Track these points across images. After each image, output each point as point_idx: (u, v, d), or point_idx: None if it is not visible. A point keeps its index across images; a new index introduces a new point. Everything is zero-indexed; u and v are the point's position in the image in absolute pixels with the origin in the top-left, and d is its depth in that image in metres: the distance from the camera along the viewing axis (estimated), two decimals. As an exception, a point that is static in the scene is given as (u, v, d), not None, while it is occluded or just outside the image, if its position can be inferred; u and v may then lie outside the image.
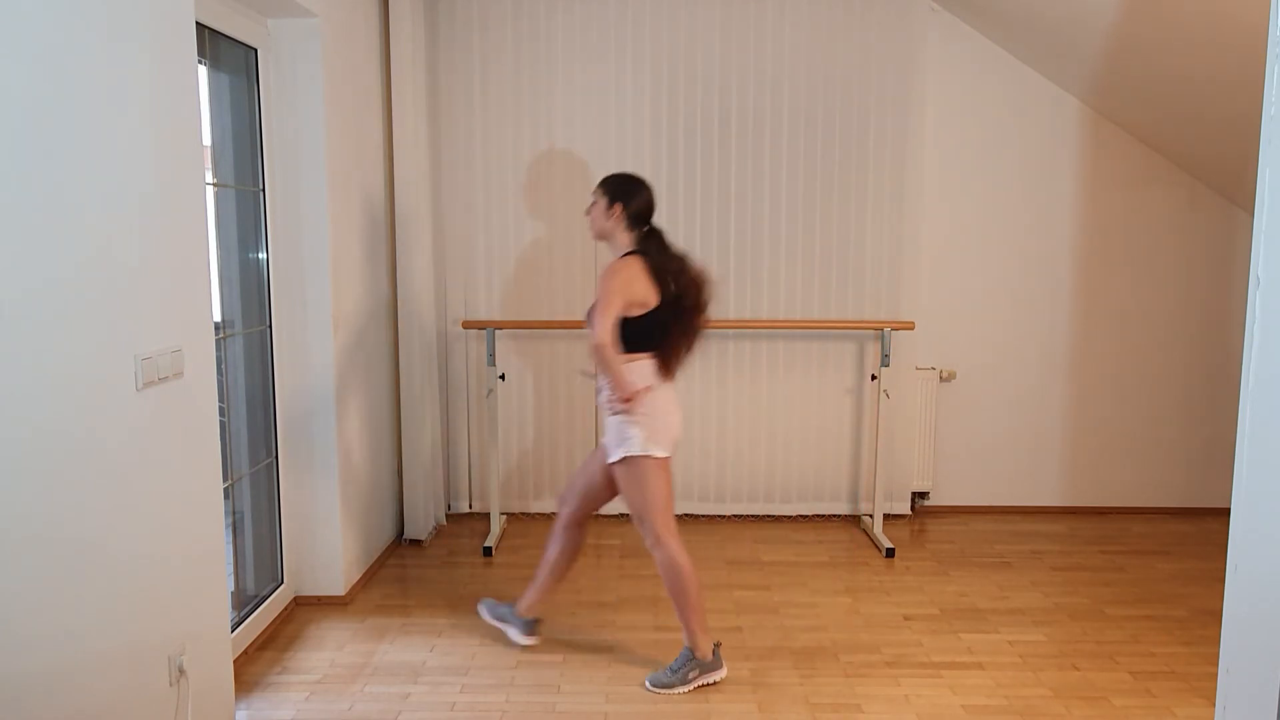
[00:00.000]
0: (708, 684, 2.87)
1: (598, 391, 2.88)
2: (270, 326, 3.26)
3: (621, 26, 4.24)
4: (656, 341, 2.83)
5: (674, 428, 2.86)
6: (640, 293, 2.76)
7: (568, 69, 4.27)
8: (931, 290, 4.47)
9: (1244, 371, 1.40)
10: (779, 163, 4.31)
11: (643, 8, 4.23)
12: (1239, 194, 4.31)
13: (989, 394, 4.55)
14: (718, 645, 2.93)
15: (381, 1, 3.92)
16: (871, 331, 4.35)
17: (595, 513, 3.09)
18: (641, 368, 2.79)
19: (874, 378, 4.31)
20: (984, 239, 4.46)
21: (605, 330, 2.68)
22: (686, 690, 2.84)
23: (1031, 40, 4.13)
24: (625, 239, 2.86)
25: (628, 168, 4.30)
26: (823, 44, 4.24)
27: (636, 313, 2.76)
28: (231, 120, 3.10)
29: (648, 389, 2.77)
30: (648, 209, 2.87)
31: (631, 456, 2.79)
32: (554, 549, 3.07)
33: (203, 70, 2.79)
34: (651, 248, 2.84)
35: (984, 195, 4.43)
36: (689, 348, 2.90)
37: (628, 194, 2.85)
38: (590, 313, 2.80)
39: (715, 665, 2.89)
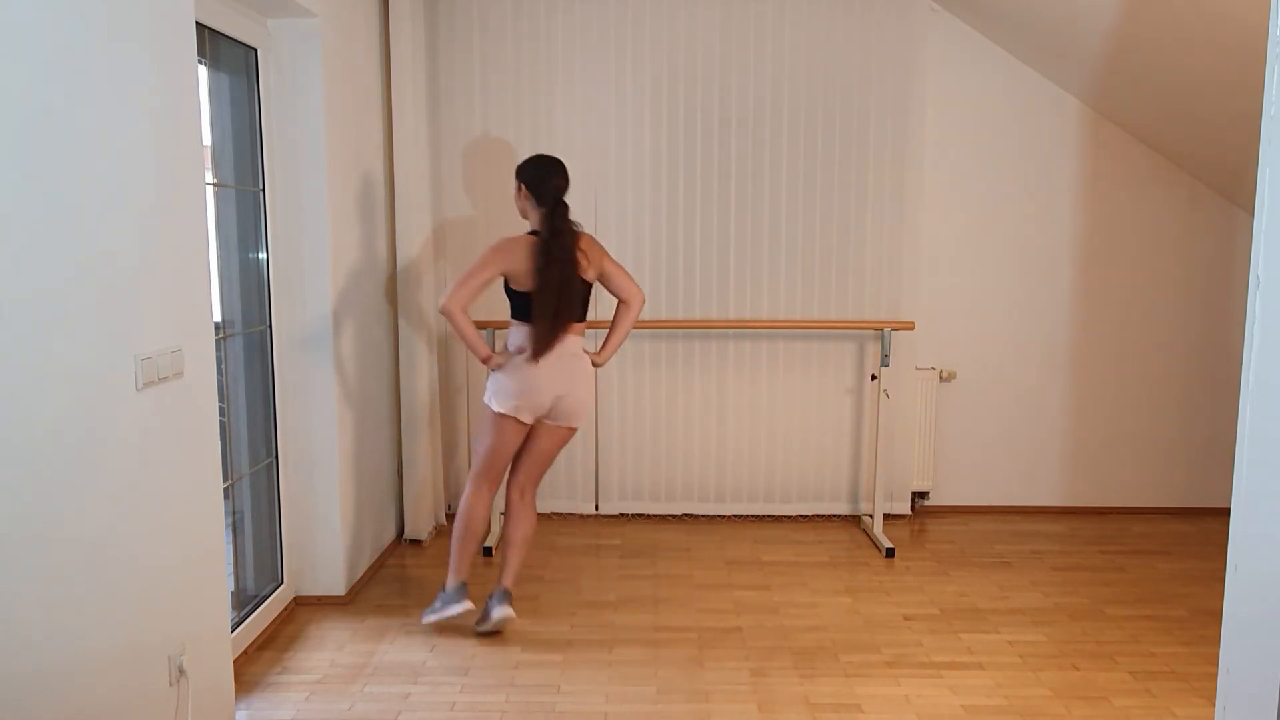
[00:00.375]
0: (447, 616, 3.18)
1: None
2: (270, 326, 3.26)
3: (621, 26, 4.24)
4: (532, 314, 3.02)
5: (527, 393, 3.05)
6: (512, 269, 3.01)
7: (568, 69, 4.27)
8: (931, 290, 4.47)
9: (1244, 371, 1.40)
10: (779, 162, 4.31)
11: (643, 8, 4.23)
12: (1239, 194, 4.31)
13: (989, 394, 4.55)
14: (464, 584, 3.21)
15: (381, 1, 3.93)
16: (871, 331, 4.35)
17: (531, 475, 3.29)
18: (520, 332, 3.06)
19: (874, 378, 4.31)
20: (984, 239, 4.46)
21: (454, 296, 2.96)
22: (432, 619, 3.19)
23: (1031, 40, 4.13)
24: (535, 218, 3.08)
25: (627, 167, 4.32)
26: (822, 44, 4.24)
27: (517, 287, 3.03)
28: (231, 120, 3.10)
29: (509, 354, 3.07)
30: (547, 187, 3.05)
31: (484, 403, 3.14)
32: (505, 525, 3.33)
33: (203, 70, 2.79)
34: (548, 225, 3.02)
35: (984, 195, 4.43)
36: (561, 324, 3.04)
37: (529, 175, 3.08)
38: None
39: (457, 598, 3.18)
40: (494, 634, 3.19)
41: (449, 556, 3.23)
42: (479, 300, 4.43)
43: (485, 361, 3.09)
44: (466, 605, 3.18)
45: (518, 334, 3.08)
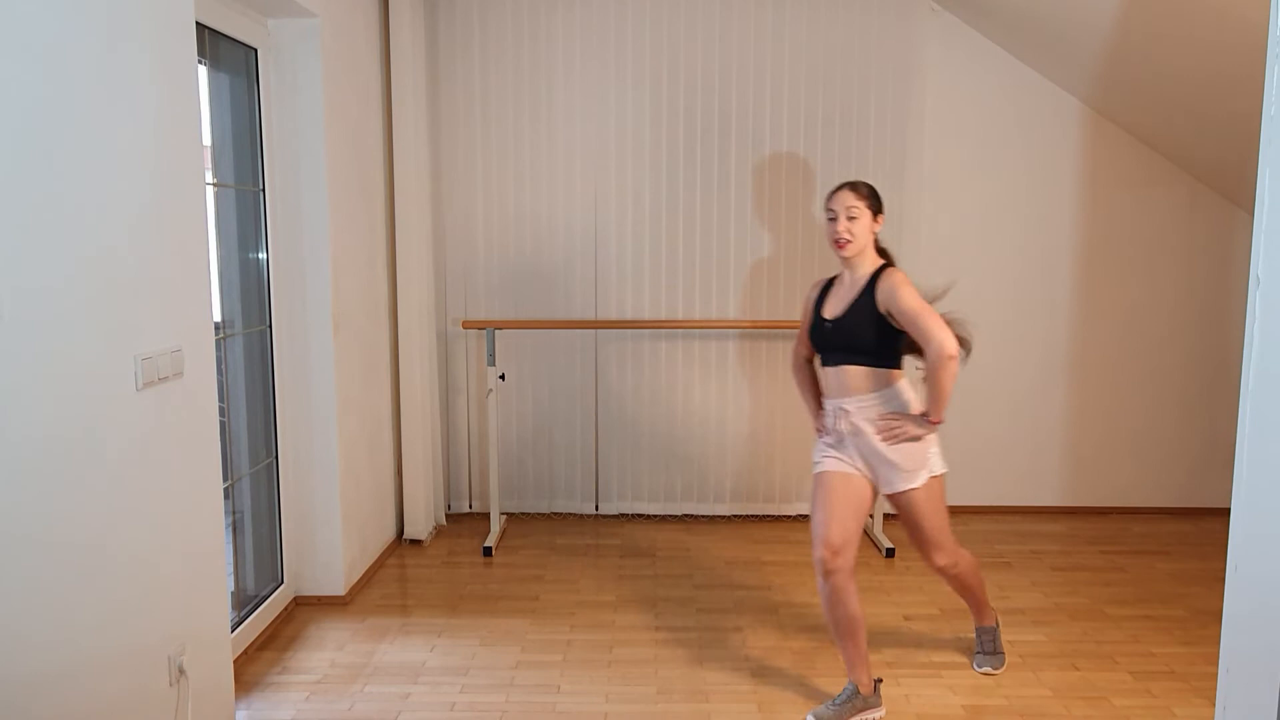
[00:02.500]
0: None
1: (838, 416, 2.68)
2: (270, 326, 3.26)
3: (621, 26, 4.24)
4: (904, 352, 2.69)
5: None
6: None
7: (568, 69, 4.27)
8: (931, 290, 4.46)
9: (1244, 371, 1.40)
10: (779, 162, 4.31)
11: (643, 8, 4.23)
12: (1239, 194, 4.31)
13: (989, 394, 4.55)
14: (879, 681, 2.74)
15: (381, 1, 3.92)
16: (871, 331, 4.35)
17: None
18: (908, 383, 2.67)
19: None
20: (984, 239, 4.45)
21: (949, 338, 2.48)
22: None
23: (1031, 40, 4.13)
24: (873, 253, 2.69)
25: (628, 167, 4.31)
26: (822, 43, 4.24)
27: (901, 323, 2.59)
28: (231, 120, 3.10)
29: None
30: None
31: (934, 474, 2.64)
32: (853, 606, 2.66)
33: (203, 70, 2.79)
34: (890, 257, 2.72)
35: (984, 195, 4.43)
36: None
37: (881, 205, 2.70)
38: (849, 333, 2.64)
39: (875, 702, 2.70)
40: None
41: (977, 605, 2.93)
42: (470, 300, 4.48)
43: (939, 421, 2.57)
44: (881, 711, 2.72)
45: (908, 385, 2.68)
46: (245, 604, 3.16)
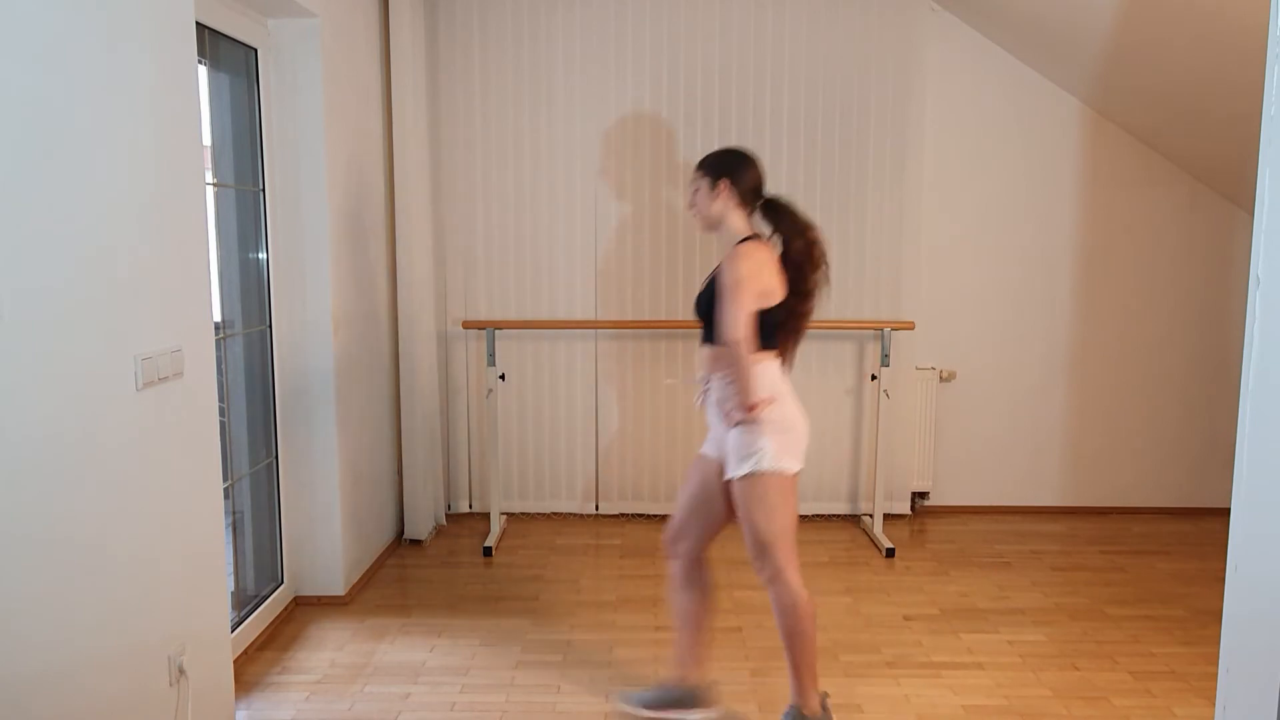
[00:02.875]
0: None
1: (701, 395, 2.54)
2: (270, 326, 3.26)
3: (621, 26, 4.24)
4: (781, 337, 2.48)
5: (804, 436, 2.48)
6: (768, 282, 2.40)
7: (568, 69, 4.27)
8: (931, 290, 4.47)
9: (1244, 371, 1.40)
10: (778, 162, 4.30)
11: (642, 8, 4.23)
12: (1239, 194, 4.31)
13: (989, 394, 4.55)
14: (826, 695, 2.54)
15: (381, 1, 3.92)
16: (871, 331, 4.35)
17: (714, 540, 2.66)
18: (769, 369, 2.44)
19: (874, 378, 4.31)
20: (984, 239, 4.45)
21: (739, 324, 2.30)
22: None
23: (1031, 40, 4.13)
24: (740, 222, 2.48)
25: (627, 167, 4.31)
26: (822, 43, 4.24)
27: (763, 305, 2.39)
28: (231, 120, 3.10)
29: (772, 398, 2.40)
30: (759, 185, 2.51)
31: (759, 473, 2.38)
32: (683, 600, 2.62)
33: (203, 70, 2.79)
34: (780, 224, 2.50)
35: (984, 195, 4.43)
36: (800, 338, 2.56)
37: (734, 168, 2.47)
38: (705, 308, 2.47)
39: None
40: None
41: (797, 674, 2.48)
42: (470, 299, 4.48)
43: (755, 409, 2.36)
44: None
45: (770, 371, 2.45)
46: (245, 604, 3.16)
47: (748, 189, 2.49)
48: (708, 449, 2.59)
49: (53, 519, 1.82)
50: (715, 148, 4.23)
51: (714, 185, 2.48)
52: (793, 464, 2.43)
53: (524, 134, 4.31)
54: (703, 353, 2.54)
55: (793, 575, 2.48)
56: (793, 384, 2.55)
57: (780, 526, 2.44)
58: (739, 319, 2.32)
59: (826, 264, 2.53)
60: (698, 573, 2.64)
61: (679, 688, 2.67)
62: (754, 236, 2.48)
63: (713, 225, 2.51)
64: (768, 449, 2.38)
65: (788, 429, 2.43)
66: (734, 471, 2.43)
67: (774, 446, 2.39)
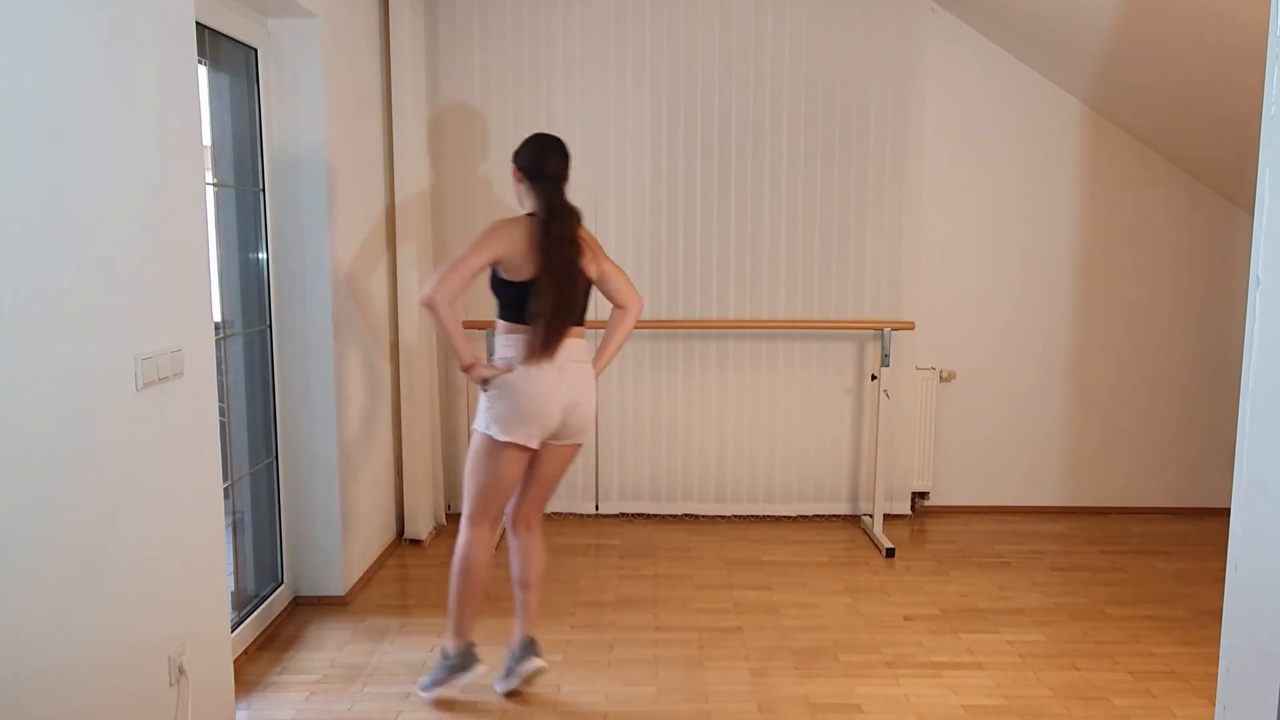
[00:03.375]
0: (459, 684, 2.75)
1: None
2: (270, 326, 3.26)
3: (621, 26, 4.24)
4: (531, 310, 2.58)
5: (533, 415, 2.59)
6: (508, 254, 2.57)
7: (568, 69, 4.27)
8: (931, 290, 4.47)
9: (1244, 371, 1.40)
10: (779, 162, 4.31)
11: (642, 8, 4.23)
12: (1239, 194, 4.31)
13: (989, 394, 4.55)
14: (472, 645, 2.79)
15: (381, 1, 3.92)
16: (871, 331, 4.35)
17: (537, 504, 2.87)
18: (512, 341, 2.61)
19: (874, 378, 4.31)
20: (984, 239, 4.46)
21: (441, 287, 2.48)
22: (436, 693, 2.75)
23: (1032, 40, 4.13)
24: (530, 201, 2.69)
25: (627, 167, 4.31)
26: (822, 43, 4.24)
27: (511, 278, 2.59)
28: (231, 120, 3.10)
29: (498, 366, 2.61)
30: (537, 163, 2.67)
31: (476, 430, 2.66)
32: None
33: (203, 70, 2.79)
34: (545, 204, 2.65)
35: (984, 195, 4.43)
36: (564, 323, 2.63)
37: (520, 152, 2.71)
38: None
39: (464, 665, 2.76)
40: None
41: (448, 615, 2.77)
42: (470, 299, 4.47)
43: (468, 370, 2.59)
44: (478, 669, 2.77)
45: (508, 341, 2.63)
46: (245, 604, 3.16)
47: (524, 168, 2.72)
48: None
49: (53, 519, 1.82)
50: (715, 148, 4.31)
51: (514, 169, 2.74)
52: (500, 432, 2.61)
53: (524, 134, 4.27)
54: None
55: (472, 530, 2.73)
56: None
57: (478, 483, 2.69)
58: (432, 281, 2.52)
59: (567, 247, 2.65)
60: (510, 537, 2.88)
61: (453, 656, 2.79)
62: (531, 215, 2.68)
63: (520, 201, 2.75)
64: (483, 411, 2.64)
65: (509, 399, 2.61)
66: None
67: (486, 410, 2.64)
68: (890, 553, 4.02)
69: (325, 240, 3.31)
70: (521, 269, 2.59)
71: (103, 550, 1.98)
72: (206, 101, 2.85)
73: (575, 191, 4.30)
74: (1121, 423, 4.57)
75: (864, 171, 4.30)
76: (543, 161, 2.68)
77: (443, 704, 2.75)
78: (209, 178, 2.92)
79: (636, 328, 4.34)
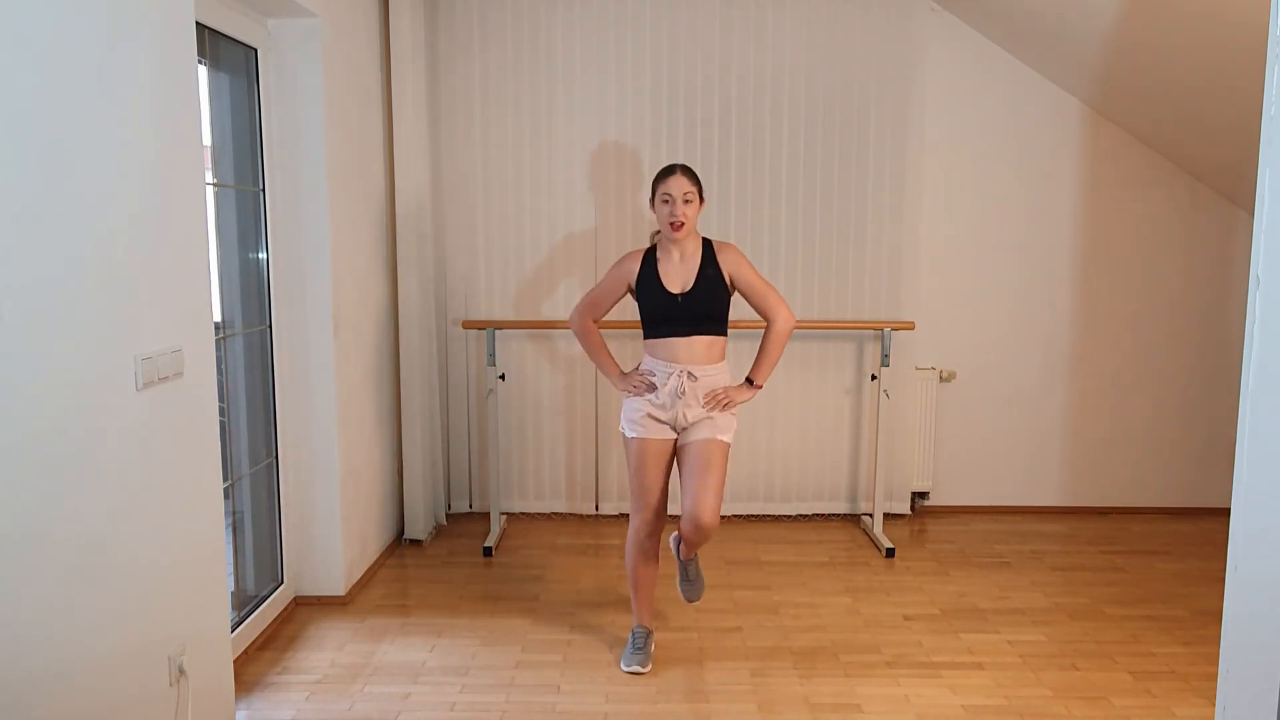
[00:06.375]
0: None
1: (678, 381, 2.92)
2: (270, 326, 3.26)
3: (621, 26, 4.24)
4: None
5: None
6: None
7: (568, 69, 4.27)
8: (931, 290, 4.47)
9: (1244, 371, 1.40)
10: (779, 162, 4.31)
11: (642, 8, 4.23)
12: (1239, 194, 4.31)
13: (989, 394, 4.55)
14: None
15: (381, 1, 3.92)
16: (871, 331, 4.35)
17: None
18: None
19: (874, 378, 4.31)
20: (984, 239, 4.46)
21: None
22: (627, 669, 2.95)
23: (1031, 40, 4.13)
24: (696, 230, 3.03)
25: (626, 167, 4.31)
26: (822, 44, 4.24)
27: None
28: (231, 120, 3.10)
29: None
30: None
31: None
32: (653, 565, 3.12)
33: (203, 70, 2.79)
34: None
35: (984, 195, 4.43)
36: None
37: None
38: (708, 303, 2.94)
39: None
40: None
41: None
42: (470, 299, 4.47)
43: (759, 389, 3.12)
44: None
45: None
46: (245, 604, 3.16)
47: None
48: (665, 432, 2.97)
49: (53, 518, 1.82)
50: (715, 147, 4.30)
51: (700, 198, 2.95)
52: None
53: (524, 134, 4.31)
54: (694, 343, 2.96)
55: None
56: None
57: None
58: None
59: None
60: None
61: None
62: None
63: (689, 232, 2.93)
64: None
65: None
66: (724, 435, 2.93)
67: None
68: (890, 553, 4.02)
69: (325, 240, 3.31)
70: None
71: (103, 550, 1.98)
72: (206, 101, 2.85)
73: (576, 192, 4.33)
74: (1121, 423, 4.57)
75: (864, 171, 4.30)
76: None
77: (443, 704, 2.75)
78: (209, 178, 2.92)
79: (636, 328, 4.35)
